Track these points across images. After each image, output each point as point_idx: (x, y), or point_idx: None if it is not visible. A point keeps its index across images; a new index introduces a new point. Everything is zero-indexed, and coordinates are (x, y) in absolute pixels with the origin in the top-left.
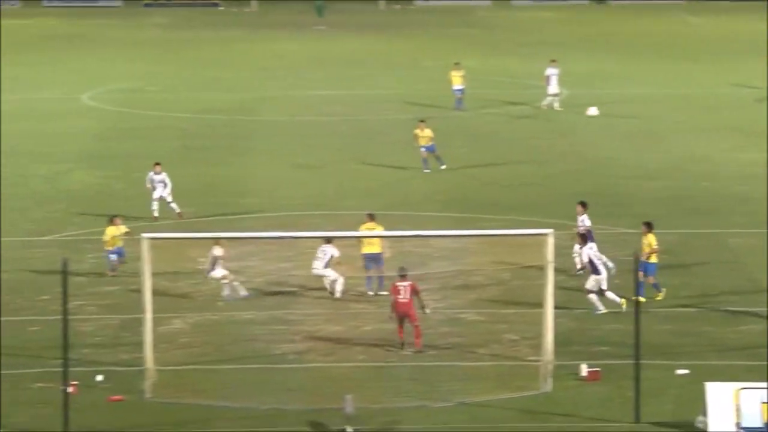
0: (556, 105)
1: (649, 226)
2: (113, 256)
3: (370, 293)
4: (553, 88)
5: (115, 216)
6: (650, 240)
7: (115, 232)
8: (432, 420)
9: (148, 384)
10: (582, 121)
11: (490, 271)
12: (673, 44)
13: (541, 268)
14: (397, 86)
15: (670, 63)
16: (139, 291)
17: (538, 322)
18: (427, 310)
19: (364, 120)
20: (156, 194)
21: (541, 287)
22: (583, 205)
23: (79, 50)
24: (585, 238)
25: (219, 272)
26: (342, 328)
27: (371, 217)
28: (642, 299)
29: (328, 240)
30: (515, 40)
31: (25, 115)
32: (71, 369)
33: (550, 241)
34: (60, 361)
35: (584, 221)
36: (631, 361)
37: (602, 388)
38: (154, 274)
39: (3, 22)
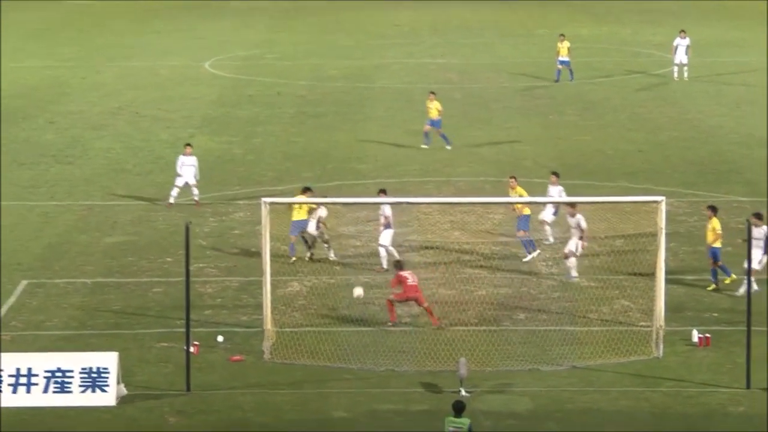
0: (675, 74)
1: (714, 210)
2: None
3: (533, 255)
4: (679, 57)
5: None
6: (714, 224)
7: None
8: (544, 383)
9: (266, 345)
10: (692, 89)
11: (601, 238)
12: None
13: (653, 235)
14: (511, 55)
15: None
16: (258, 254)
17: (650, 288)
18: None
19: (478, 88)
20: (180, 181)
21: (653, 254)
22: (557, 175)
23: (201, 19)
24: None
25: (324, 234)
26: (456, 292)
27: (516, 180)
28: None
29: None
30: (627, 7)
31: (149, 82)
32: (193, 330)
33: (662, 208)
34: (182, 322)
35: (561, 193)
36: (742, 328)
37: (713, 354)
38: (273, 238)
39: None
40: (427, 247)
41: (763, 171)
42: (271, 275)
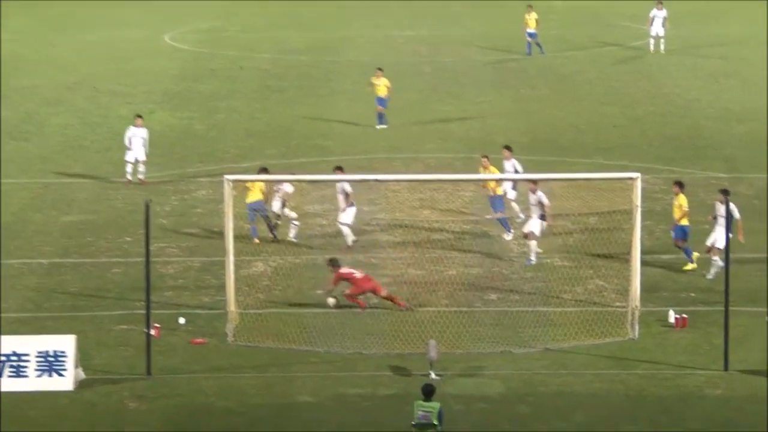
0: (651, 46)
1: (680, 186)
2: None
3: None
4: (655, 30)
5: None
6: (681, 201)
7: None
8: (516, 365)
9: (230, 327)
10: (668, 62)
11: (575, 216)
12: None
13: (628, 213)
14: (482, 27)
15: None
16: (221, 234)
17: (625, 268)
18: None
19: (448, 62)
20: (130, 156)
21: (628, 232)
22: (509, 148)
23: None
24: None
25: (290, 212)
26: (425, 272)
27: (488, 159)
28: (692, 266)
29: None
30: None
31: (107, 55)
32: (153, 312)
33: (638, 185)
34: (142, 304)
35: (515, 166)
36: (720, 308)
37: (690, 335)
38: (236, 217)
39: None
40: (395, 226)
41: (740, 146)
42: (235, 255)
